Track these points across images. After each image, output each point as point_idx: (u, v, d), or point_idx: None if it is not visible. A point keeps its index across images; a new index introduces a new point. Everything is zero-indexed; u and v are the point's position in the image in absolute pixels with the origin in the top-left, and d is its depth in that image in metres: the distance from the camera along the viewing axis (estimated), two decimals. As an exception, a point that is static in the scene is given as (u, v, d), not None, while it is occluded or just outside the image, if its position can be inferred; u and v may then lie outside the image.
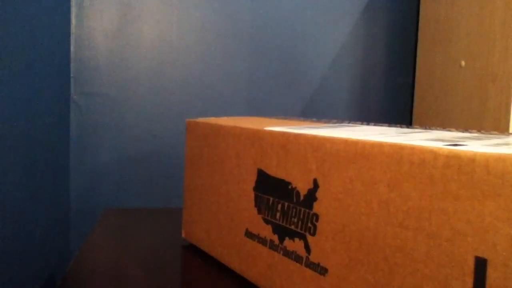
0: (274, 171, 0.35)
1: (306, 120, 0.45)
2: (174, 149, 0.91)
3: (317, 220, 0.31)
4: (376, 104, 1.00)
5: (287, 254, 0.34)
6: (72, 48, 0.86)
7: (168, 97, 0.90)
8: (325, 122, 0.42)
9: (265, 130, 0.36)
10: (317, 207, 0.31)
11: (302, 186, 0.32)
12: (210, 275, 0.41)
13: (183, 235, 0.50)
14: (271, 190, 0.35)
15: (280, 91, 0.95)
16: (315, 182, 0.31)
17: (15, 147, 0.55)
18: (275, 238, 0.35)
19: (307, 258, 0.32)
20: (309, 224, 0.31)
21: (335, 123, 0.42)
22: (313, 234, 0.31)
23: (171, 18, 0.90)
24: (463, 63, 0.84)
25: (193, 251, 0.47)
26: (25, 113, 0.59)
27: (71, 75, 0.86)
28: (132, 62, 0.88)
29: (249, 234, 0.38)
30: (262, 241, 0.36)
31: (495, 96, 0.76)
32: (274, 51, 0.94)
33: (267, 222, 0.36)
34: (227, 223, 0.41)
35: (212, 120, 0.47)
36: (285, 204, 0.34)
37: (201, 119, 0.48)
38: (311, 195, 0.31)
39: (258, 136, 0.37)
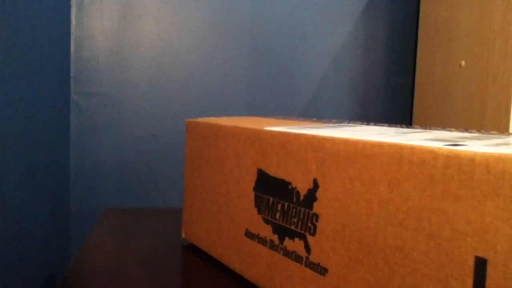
0: (274, 171, 0.35)
1: (306, 120, 0.45)
2: (174, 149, 0.91)
3: (317, 220, 0.31)
4: (376, 104, 1.00)
5: (287, 254, 0.34)
6: (72, 48, 0.86)
7: (168, 97, 0.90)
8: (325, 122, 0.42)
9: (265, 130, 0.36)
10: (317, 207, 0.31)
11: (302, 186, 0.32)
12: (210, 275, 0.41)
13: (183, 235, 0.50)
14: (271, 190, 0.35)
15: (280, 91, 0.95)
16: (315, 182, 0.31)
17: (15, 147, 0.55)
18: (275, 238, 0.35)
19: (307, 258, 0.32)
20: (309, 224, 0.31)
21: (335, 123, 0.42)
22: (313, 234, 0.31)
23: (171, 18, 0.90)
24: (463, 63, 0.84)
25: (193, 251, 0.47)
26: (25, 113, 0.59)
27: (71, 75, 0.86)
28: (132, 62, 0.88)
29: (249, 234, 0.38)
30: (262, 241, 0.36)
31: (495, 96, 0.76)
32: (274, 51, 0.94)
33: (267, 222, 0.36)
34: (227, 223, 0.41)
35: (212, 120, 0.47)
36: (285, 204, 0.34)
37: (201, 119, 0.48)
38: (311, 195, 0.31)
39: (258, 136, 0.37)
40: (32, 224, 0.62)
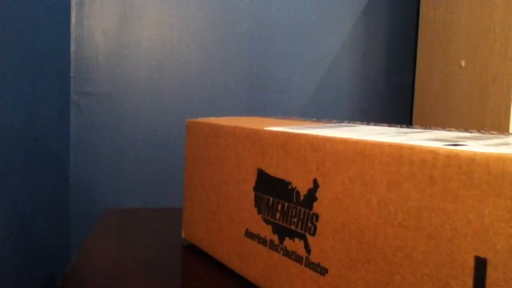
0: (274, 171, 0.35)
1: (306, 120, 0.45)
2: (174, 149, 0.91)
3: (317, 220, 0.31)
4: (376, 104, 1.00)
5: (287, 254, 0.34)
6: (72, 48, 0.86)
7: (168, 97, 0.90)
8: (325, 122, 0.42)
9: (265, 130, 0.36)
10: (317, 207, 0.31)
11: (302, 186, 0.32)
12: (210, 275, 0.41)
13: (183, 235, 0.50)
14: (271, 190, 0.35)
15: (280, 91, 0.95)
16: (315, 182, 0.31)
17: (15, 147, 0.55)
18: (275, 238, 0.35)
19: (307, 258, 0.32)
20: (309, 224, 0.31)
21: (335, 123, 0.42)
22: (313, 234, 0.31)
23: (171, 18, 0.90)
24: (463, 63, 0.84)
25: (193, 251, 0.47)
26: (25, 113, 0.59)
27: (71, 75, 0.86)
28: (132, 62, 0.88)
29: (249, 234, 0.38)
30: (262, 241, 0.36)
31: (495, 96, 0.76)
32: (274, 51, 0.94)
33: (267, 222, 0.36)
34: (227, 223, 0.41)
35: (212, 120, 0.47)
36: (285, 204, 0.34)
37: (201, 119, 0.48)
38: (311, 195, 0.31)
39: (258, 136, 0.37)
40: (32, 224, 0.62)
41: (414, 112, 0.99)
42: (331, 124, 0.40)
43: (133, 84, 0.88)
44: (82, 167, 0.87)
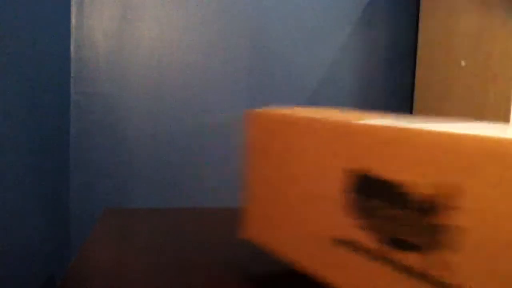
0: (377, 171, 0.30)
1: (387, 113, 0.39)
2: (174, 149, 0.91)
3: (445, 231, 0.26)
4: (376, 104, 1.00)
5: (396, 267, 0.28)
6: (72, 48, 0.86)
7: (168, 97, 0.90)
8: (422, 117, 0.36)
9: (360, 124, 0.31)
10: (453, 217, 0.25)
11: (420, 190, 0.26)
12: (210, 275, 0.41)
13: (241, 236, 0.48)
14: (373, 193, 0.28)
15: (280, 92, 0.95)
16: (441, 186, 0.25)
17: (15, 147, 0.55)
18: (380, 247, 0.30)
19: (428, 273, 0.27)
20: (437, 236, 0.26)
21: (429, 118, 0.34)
22: (437, 248, 0.26)
23: (171, 18, 0.90)
24: (463, 63, 0.84)
25: (193, 251, 0.47)
26: (25, 113, 0.59)
27: (71, 75, 0.86)
28: (132, 62, 0.88)
29: (337, 241, 0.32)
30: (357, 249, 0.31)
31: (495, 96, 0.76)
32: (275, 51, 0.94)
33: (366, 228, 0.31)
34: (308, 226, 0.35)
35: (279, 111, 0.43)
36: (394, 209, 0.28)
37: (264, 110, 0.43)
38: (436, 202, 0.25)
39: (349, 130, 0.32)
40: (32, 224, 0.62)
41: (414, 112, 0.99)
42: (427, 119, 0.33)
43: (133, 84, 0.88)
44: (82, 167, 0.87)
